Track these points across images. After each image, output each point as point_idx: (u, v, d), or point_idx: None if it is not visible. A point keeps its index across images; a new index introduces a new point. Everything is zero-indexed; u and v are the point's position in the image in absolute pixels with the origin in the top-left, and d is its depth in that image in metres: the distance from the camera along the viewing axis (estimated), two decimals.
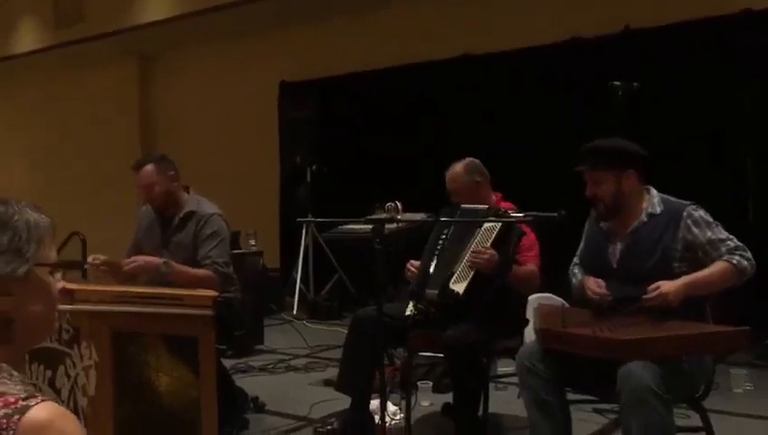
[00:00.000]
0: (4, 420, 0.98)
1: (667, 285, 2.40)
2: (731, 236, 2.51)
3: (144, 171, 3.41)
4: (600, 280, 2.60)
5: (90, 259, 3.33)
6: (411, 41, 6.92)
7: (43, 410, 1.00)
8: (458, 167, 3.44)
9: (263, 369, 4.68)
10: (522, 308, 3.34)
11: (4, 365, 1.08)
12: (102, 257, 3.33)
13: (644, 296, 2.42)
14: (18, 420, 0.98)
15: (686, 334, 2.29)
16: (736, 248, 2.47)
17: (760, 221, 5.12)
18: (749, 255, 2.47)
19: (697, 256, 2.50)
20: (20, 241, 1.13)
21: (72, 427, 1.02)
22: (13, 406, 1.00)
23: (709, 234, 2.50)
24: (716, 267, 2.45)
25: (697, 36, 5.41)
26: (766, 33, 5.11)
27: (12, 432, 0.98)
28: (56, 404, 1.02)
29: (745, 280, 2.47)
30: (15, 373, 1.09)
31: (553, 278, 3.32)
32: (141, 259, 3.26)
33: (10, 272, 1.13)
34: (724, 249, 2.47)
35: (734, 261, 2.44)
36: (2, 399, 1.01)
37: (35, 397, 1.02)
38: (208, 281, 3.24)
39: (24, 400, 1.01)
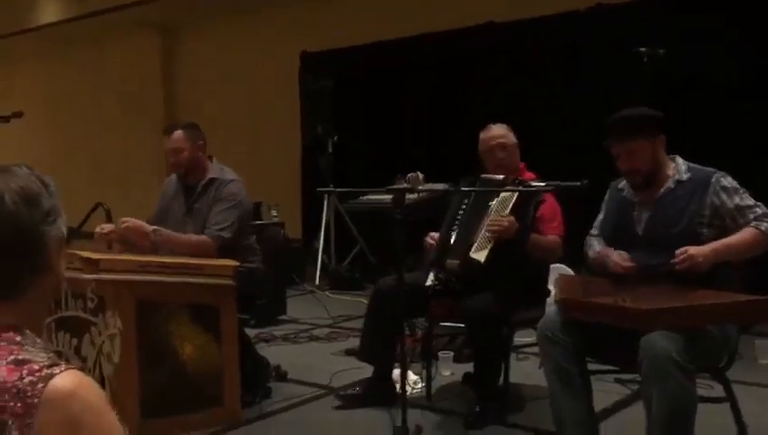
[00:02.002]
0: (29, 388, 0.98)
1: (696, 250, 2.38)
2: (759, 203, 2.48)
3: (175, 136, 3.48)
4: (623, 252, 2.57)
5: (97, 229, 3.40)
6: (435, 9, 6.83)
7: (66, 379, 1.00)
8: (501, 126, 3.40)
9: (285, 338, 4.72)
10: (543, 278, 3.33)
11: (28, 332, 1.09)
12: (109, 227, 3.39)
13: (672, 261, 2.39)
14: (43, 388, 0.98)
15: (709, 303, 2.26)
16: (765, 215, 2.45)
17: None
18: None
19: (725, 222, 2.48)
20: (52, 210, 1.14)
21: (95, 394, 1.02)
22: (37, 374, 1.00)
23: (737, 200, 2.47)
24: (745, 233, 2.44)
25: (724, 3, 5.26)
26: None
27: (36, 400, 0.98)
28: (80, 372, 1.02)
29: None
30: (39, 340, 1.10)
31: (576, 249, 3.29)
32: (132, 221, 3.30)
33: (62, 235, 1.14)
34: (751, 216, 2.45)
35: (763, 227, 2.42)
36: (27, 366, 1.01)
37: (59, 365, 1.02)
38: (203, 247, 3.27)
39: (48, 368, 1.01)
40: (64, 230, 1.15)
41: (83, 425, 0.99)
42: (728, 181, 2.51)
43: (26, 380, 0.99)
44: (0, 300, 1.09)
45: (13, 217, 1.07)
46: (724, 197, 2.48)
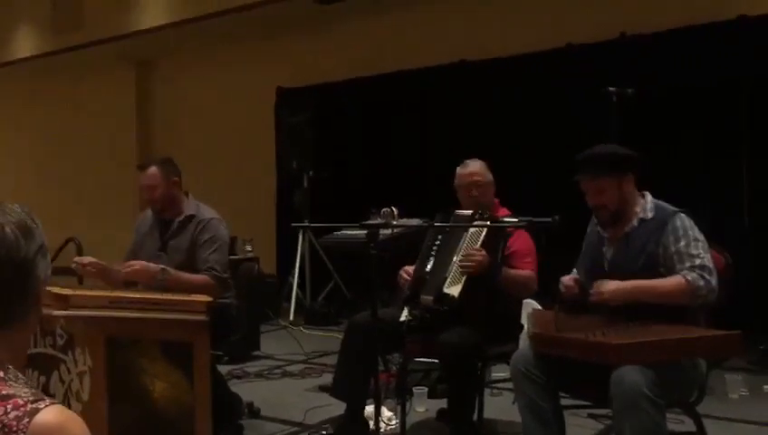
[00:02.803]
0: (15, 423, 0.98)
1: (607, 286, 2.45)
2: (703, 256, 2.45)
3: (149, 172, 3.46)
4: (574, 276, 2.71)
5: (75, 261, 3.34)
6: (408, 47, 6.94)
7: (51, 414, 1.00)
8: (478, 162, 3.44)
9: (258, 375, 4.68)
10: (516, 313, 3.35)
11: (11, 368, 1.09)
12: (88, 259, 3.34)
13: (589, 295, 2.50)
14: (28, 423, 0.98)
15: (678, 338, 2.29)
16: (701, 268, 2.41)
17: (756, 224, 5.14)
18: (711, 279, 2.41)
19: (666, 264, 2.48)
20: (43, 246, 1.16)
21: (81, 430, 1.02)
22: (22, 408, 1.00)
23: (681, 244, 2.47)
24: (670, 280, 2.44)
25: (693, 43, 5.43)
26: (761, 39, 5.13)
27: None
28: (64, 407, 1.03)
29: (700, 303, 2.43)
30: (21, 376, 1.10)
31: (549, 284, 3.33)
32: (139, 264, 3.26)
33: (49, 270, 1.17)
34: (687, 264, 2.43)
35: (689, 278, 2.40)
36: (12, 401, 1.01)
37: (43, 400, 1.02)
38: (206, 287, 3.24)
39: (32, 402, 1.01)
40: (50, 265, 1.17)
41: None
42: (682, 223, 2.50)
43: (11, 414, 0.99)
44: None
45: (13, 248, 1.10)
46: (671, 239, 2.49)
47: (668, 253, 2.48)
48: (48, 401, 1.02)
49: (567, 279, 2.72)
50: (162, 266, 3.26)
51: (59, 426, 1.00)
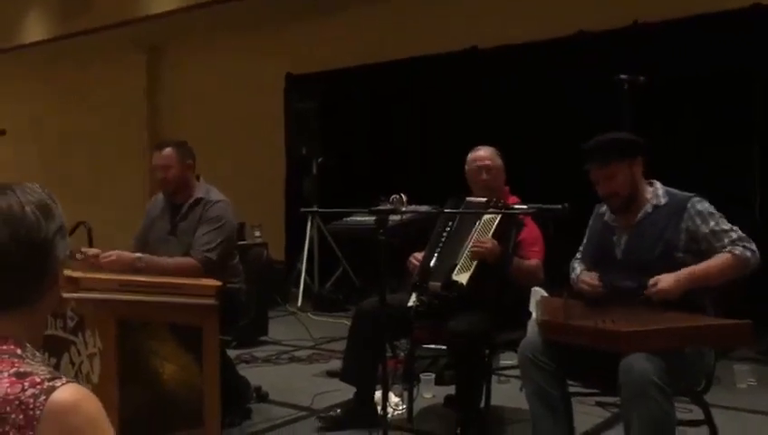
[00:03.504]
0: (31, 401, 0.99)
1: (666, 280, 2.39)
2: (734, 228, 2.49)
3: (164, 152, 3.46)
4: (593, 273, 2.62)
5: (80, 252, 3.32)
6: (418, 34, 6.91)
7: (68, 392, 1.01)
8: (488, 148, 3.43)
9: (266, 360, 4.69)
10: (525, 300, 3.35)
11: (29, 346, 1.10)
12: (93, 251, 3.30)
13: (645, 291, 2.42)
14: (45, 401, 0.99)
15: (688, 326, 2.29)
16: (740, 239, 2.45)
17: (766, 215, 5.11)
18: (753, 246, 2.45)
19: (701, 247, 2.49)
20: (63, 226, 1.17)
21: (95, 408, 1.03)
22: (39, 386, 1.01)
23: (712, 224, 2.48)
24: (718, 259, 2.44)
25: (706, 31, 5.38)
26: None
27: (39, 412, 0.99)
28: (80, 386, 1.04)
29: (749, 272, 2.45)
30: (38, 354, 1.12)
31: (558, 273, 3.32)
32: (115, 254, 3.23)
33: (68, 251, 1.18)
34: (726, 240, 2.45)
35: (737, 252, 2.42)
36: (29, 379, 1.02)
37: (60, 378, 1.03)
38: (189, 269, 3.23)
39: (49, 381, 1.02)
40: (68, 246, 1.18)
41: None
42: (704, 206, 2.52)
43: (28, 392, 1.00)
44: (10, 311, 1.11)
45: (33, 229, 1.11)
46: (698, 222, 2.49)
47: (700, 234, 2.47)
48: (65, 379, 1.03)
49: (589, 278, 2.62)
50: (138, 254, 3.26)
51: (74, 404, 1.01)
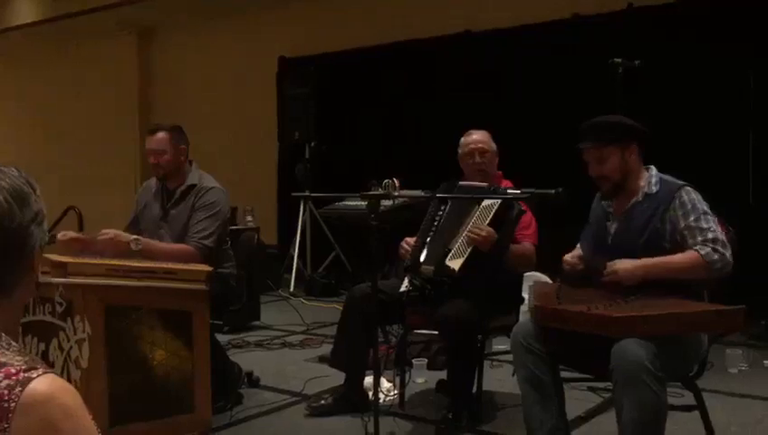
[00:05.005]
0: (6, 392, 0.96)
1: (622, 265, 2.41)
2: (714, 229, 2.41)
3: (158, 136, 3.41)
4: (575, 252, 2.68)
5: (59, 235, 3.28)
6: (412, 17, 6.85)
7: (44, 383, 0.98)
8: (482, 132, 3.41)
9: (258, 345, 4.68)
10: (518, 286, 3.34)
11: (4, 335, 1.07)
12: (72, 234, 3.27)
13: (602, 276, 2.45)
14: (20, 392, 0.97)
15: (680, 312, 2.27)
16: (714, 241, 2.38)
17: (760, 202, 5.10)
18: (726, 252, 2.38)
19: (676, 239, 2.46)
20: (39, 213, 1.14)
21: (73, 400, 1.00)
22: (14, 377, 0.98)
23: (691, 219, 2.43)
24: (682, 256, 2.40)
25: (701, 15, 5.34)
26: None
27: (13, 404, 0.96)
28: (57, 376, 1.01)
29: (715, 276, 2.40)
30: (14, 343, 1.08)
31: (551, 258, 3.30)
32: (112, 232, 3.19)
33: (45, 237, 1.14)
34: (700, 238, 2.40)
35: (703, 252, 2.36)
36: (4, 370, 0.99)
37: (36, 369, 1.00)
38: (185, 255, 3.20)
39: (25, 371, 0.99)
40: (47, 233, 1.15)
41: (61, 430, 0.97)
42: (690, 198, 2.46)
43: (3, 383, 0.97)
44: None
45: (5, 217, 1.07)
46: (679, 214, 2.45)
47: (678, 229, 2.44)
48: (41, 369, 1.00)
49: (569, 257, 2.70)
50: (135, 236, 3.22)
51: (50, 395, 0.98)
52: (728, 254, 2.39)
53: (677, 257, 2.41)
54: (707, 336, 2.50)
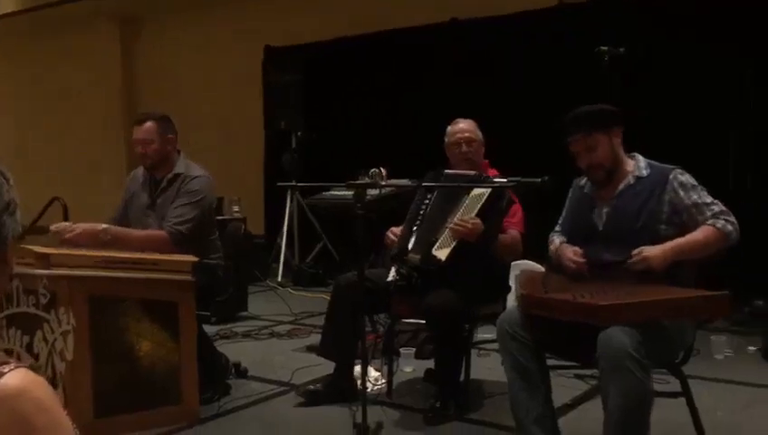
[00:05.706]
0: None
1: (650, 250, 2.40)
2: (716, 201, 2.49)
3: (145, 126, 3.39)
4: (577, 248, 2.60)
5: (52, 227, 3.26)
6: (398, 6, 6.81)
7: (17, 377, 0.96)
8: (469, 120, 3.41)
9: (246, 335, 4.67)
10: (504, 274, 3.34)
11: None
12: (65, 225, 3.25)
13: (628, 261, 2.41)
14: None
15: (665, 299, 2.28)
16: (721, 213, 2.46)
17: (739, 190, 5.13)
18: (733, 220, 2.46)
19: (682, 218, 2.49)
20: (11, 203, 1.10)
21: (46, 394, 0.99)
22: None
23: (695, 197, 2.49)
24: (701, 232, 2.44)
25: (686, 1, 5.35)
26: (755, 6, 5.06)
27: None
28: (29, 371, 0.99)
29: (730, 245, 2.46)
30: None
31: (537, 245, 3.31)
32: (81, 227, 3.19)
33: (18, 228, 1.11)
34: (709, 213, 2.46)
35: (719, 225, 2.43)
36: None
37: (8, 363, 0.98)
38: (156, 241, 3.19)
39: None
40: (20, 223, 1.12)
41: (34, 425, 0.95)
42: (686, 178, 2.52)
43: None
44: None
45: None
46: (681, 193, 2.49)
47: (683, 206, 2.48)
48: (13, 364, 0.98)
49: (573, 254, 2.58)
50: (104, 226, 3.22)
51: (22, 389, 0.96)
52: (735, 221, 2.46)
53: (698, 235, 2.44)
54: (692, 323, 2.51)
